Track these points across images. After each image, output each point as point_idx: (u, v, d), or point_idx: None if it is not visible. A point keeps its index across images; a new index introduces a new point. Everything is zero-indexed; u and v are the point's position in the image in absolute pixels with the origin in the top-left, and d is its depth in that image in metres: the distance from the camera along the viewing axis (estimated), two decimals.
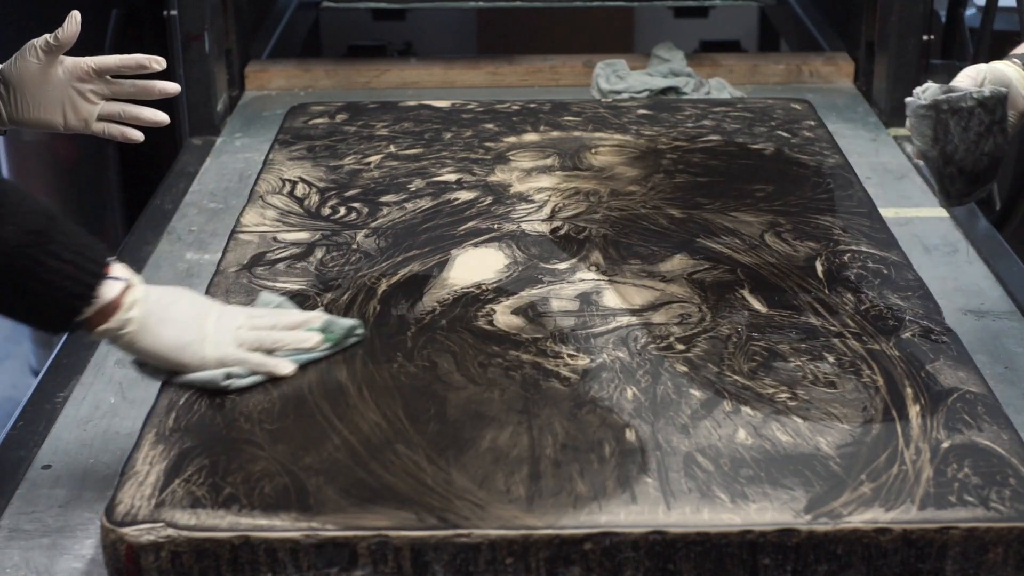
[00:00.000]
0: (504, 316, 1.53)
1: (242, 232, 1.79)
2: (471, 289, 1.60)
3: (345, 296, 1.58)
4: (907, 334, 1.48)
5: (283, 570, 1.16)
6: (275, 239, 1.76)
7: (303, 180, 1.97)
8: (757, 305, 1.56)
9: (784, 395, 1.36)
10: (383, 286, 1.61)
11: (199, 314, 1.39)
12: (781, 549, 1.16)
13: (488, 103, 2.33)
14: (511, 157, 2.06)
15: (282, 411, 1.33)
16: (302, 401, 1.35)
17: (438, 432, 1.30)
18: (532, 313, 1.54)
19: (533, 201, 1.88)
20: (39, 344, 3.26)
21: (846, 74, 3.01)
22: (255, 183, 1.97)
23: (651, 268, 1.66)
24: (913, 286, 1.61)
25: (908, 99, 1.55)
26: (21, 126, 1.57)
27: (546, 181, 1.96)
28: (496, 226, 1.79)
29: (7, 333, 3.48)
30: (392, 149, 2.10)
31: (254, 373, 1.37)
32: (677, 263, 1.67)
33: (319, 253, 1.71)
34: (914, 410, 1.33)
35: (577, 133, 2.17)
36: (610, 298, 1.58)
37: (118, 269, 1.35)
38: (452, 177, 1.98)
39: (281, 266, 1.68)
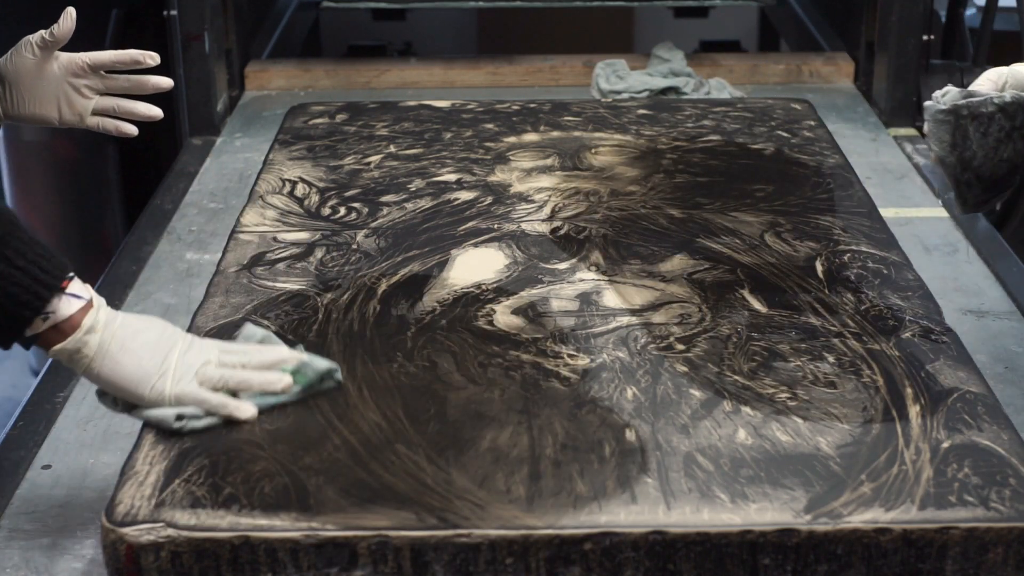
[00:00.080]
0: (504, 316, 1.53)
1: (242, 232, 1.79)
2: (471, 289, 1.60)
3: (345, 296, 1.58)
4: (907, 334, 1.48)
5: (283, 570, 1.16)
6: (275, 239, 1.76)
7: (303, 180, 1.97)
8: (757, 305, 1.56)
9: (784, 395, 1.36)
10: (383, 286, 1.61)
11: (164, 346, 1.31)
12: (781, 549, 1.16)
13: (488, 103, 2.33)
14: (511, 157, 2.06)
15: (282, 411, 1.33)
16: (302, 401, 1.35)
17: (438, 432, 1.30)
18: (532, 313, 1.54)
19: (533, 201, 1.88)
20: None
21: (846, 74, 3.01)
22: (255, 183, 1.97)
23: (651, 268, 1.66)
24: (913, 286, 1.61)
25: (927, 103, 1.52)
26: (17, 121, 1.59)
27: (546, 181, 1.96)
28: (496, 226, 1.79)
29: None
30: (392, 149, 2.10)
31: (212, 414, 1.30)
32: (677, 263, 1.67)
33: (319, 253, 1.71)
34: (914, 410, 1.33)
35: (577, 133, 2.17)
36: (610, 298, 1.58)
37: (79, 287, 1.29)
38: (452, 177, 1.98)
39: (281, 266, 1.68)
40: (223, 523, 1.17)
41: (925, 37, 2.74)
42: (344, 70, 3.03)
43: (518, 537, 1.16)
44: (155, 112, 1.61)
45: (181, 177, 2.48)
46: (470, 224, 1.80)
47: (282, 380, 1.33)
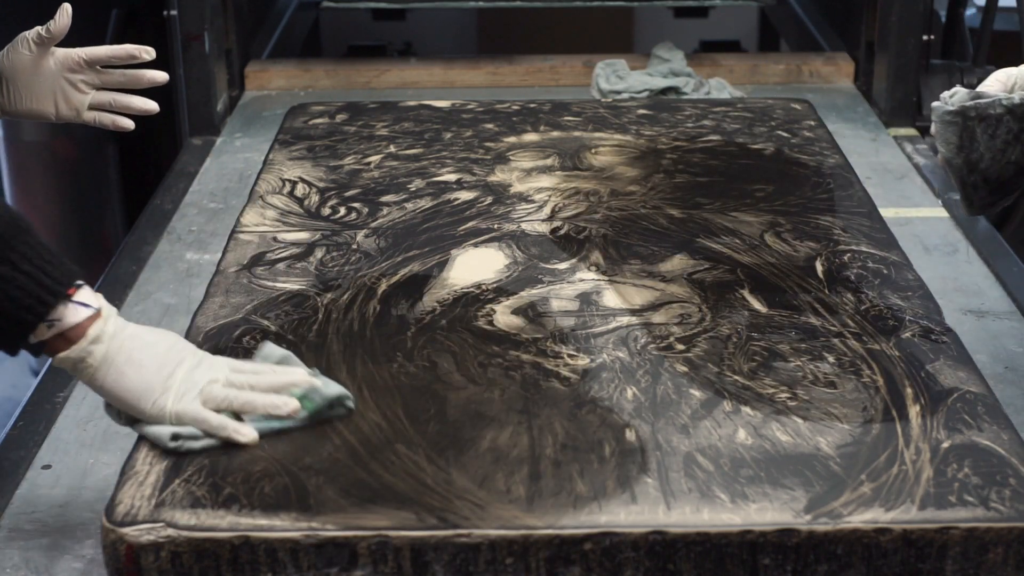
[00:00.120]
0: (504, 316, 1.53)
1: (242, 232, 1.79)
2: (471, 289, 1.60)
3: (345, 296, 1.58)
4: (907, 334, 1.48)
5: (283, 570, 1.16)
6: (275, 239, 1.76)
7: (303, 180, 1.97)
8: (757, 305, 1.55)
9: (784, 395, 1.36)
10: (383, 286, 1.61)
11: (172, 361, 1.28)
12: (781, 549, 1.16)
13: (488, 103, 2.33)
14: (511, 157, 2.06)
15: None
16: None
17: (438, 432, 1.30)
18: (532, 313, 1.54)
19: (533, 201, 1.88)
20: None
21: (846, 74, 3.01)
22: (255, 183, 1.97)
23: (651, 268, 1.66)
24: (913, 286, 1.61)
25: (935, 104, 1.50)
26: (14, 116, 1.59)
27: (546, 181, 1.96)
28: (496, 226, 1.79)
29: None
30: (392, 149, 2.10)
31: (211, 436, 1.27)
32: (677, 263, 1.67)
33: (319, 253, 1.71)
34: (914, 410, 1.33)
35: (577, 133, 2.17)
36: (610, 298, 1.58)
37: (88, 296, 1.27)
38: (452, 177, 1.98)
39: (281, 266, 1.68)
40: (223, 523, 1.17)
41: (925, 37, 2.74)
42: (344, 70, 3.03)
43: (518, 537, 1.16)
44: (151, 106, 1.62)
45: (181, 177, 2.48)
46: (470, 224, 1.80)
47: (288, 404, 1.28)
